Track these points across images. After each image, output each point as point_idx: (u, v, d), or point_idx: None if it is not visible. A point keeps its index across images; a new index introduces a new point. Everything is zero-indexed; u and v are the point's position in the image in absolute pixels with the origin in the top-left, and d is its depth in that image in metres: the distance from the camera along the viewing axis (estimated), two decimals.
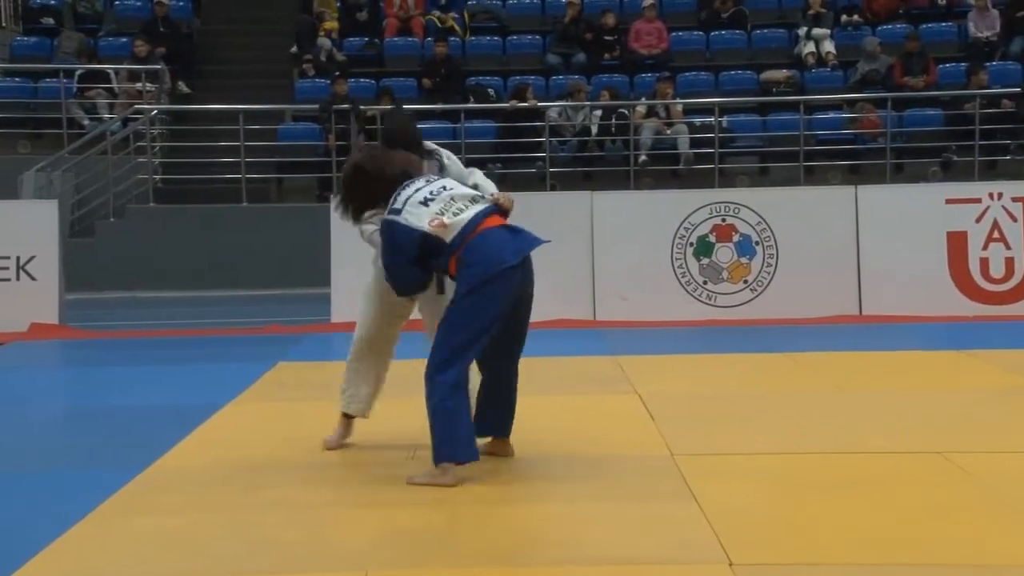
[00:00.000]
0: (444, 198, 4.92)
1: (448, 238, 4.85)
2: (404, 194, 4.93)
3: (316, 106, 14.72)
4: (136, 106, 14.56)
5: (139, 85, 15.09)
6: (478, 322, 4.87)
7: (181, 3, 17.39)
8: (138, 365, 8.60)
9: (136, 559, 4.13)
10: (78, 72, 15.36)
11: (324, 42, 16.41)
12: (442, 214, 4.87)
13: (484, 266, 4.83)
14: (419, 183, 4.99)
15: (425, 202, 4.90)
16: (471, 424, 4.97)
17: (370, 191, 5.06)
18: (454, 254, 4.86)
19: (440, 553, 4.15)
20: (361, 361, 5.55)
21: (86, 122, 15.00)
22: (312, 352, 9.01)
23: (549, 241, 5.15)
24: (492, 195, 5.18)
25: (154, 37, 15.93)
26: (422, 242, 4.86)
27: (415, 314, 5.58)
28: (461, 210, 4.91)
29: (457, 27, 16.80)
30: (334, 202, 5.37)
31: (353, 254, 10.26)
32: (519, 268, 4.92)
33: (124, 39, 16.32)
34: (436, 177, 5.14)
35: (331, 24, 16.63)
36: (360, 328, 5.55)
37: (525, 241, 4.98)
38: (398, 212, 4.90)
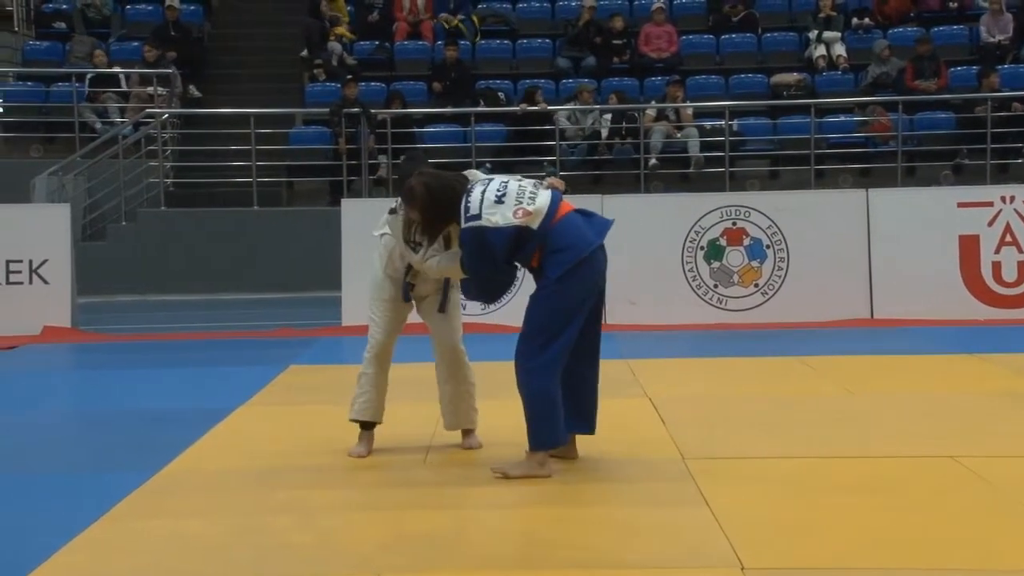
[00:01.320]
0: (513, 191, 4.95)
1: (535, 225, 4.90)
2: (473, 200, 4.93)
3: (327, 110, 14.74)
4: (147, 110, 14.60)
5: (150, 89, 15.13)
6: (571, 304, 4.95)
7: (192, 7, 17.43)
8: (150, 368, 8.62)
9: (149, 562, 4.14)
10: (90, 76, 15.41)
11: (335, 46, 16.44)
12: (520, 204, 4.91)
13: (574, 251, 4.93)
14: (478, 187, 5.00)
15: (499, 199, 4.92)
16: (563, 412, 5.05)
17: (448, 207, 5.00)
18: (540, 243, 4.93)
19: (451, 557, 4.15)
20: (377, 367, 5.55)
21: (98, 126, 15.04)
22: (323, 355, 9.02)
23: (614, 220, 5.26)
24: (547, 182, 5.18)
25: (165, 41, 15.97)
26: (515, 236, 4.90)
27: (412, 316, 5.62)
28: (535, 196, 4.95)
29: (464, 28, 16.80)
30: (404, 234, 5.19)
31: (364, 257, 10.30)
32: (602, 249, 5.06)
33: (135, 43, 16.36)
34: (486, 178, 5.14)
35: (341, 29, 16.65)
36: (376, 335, 5.52)
37: (601, 223, 5.11)
38: (478, 217, 4.89)
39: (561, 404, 5.02)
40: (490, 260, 4.95)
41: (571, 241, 4.94)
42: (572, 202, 5.14)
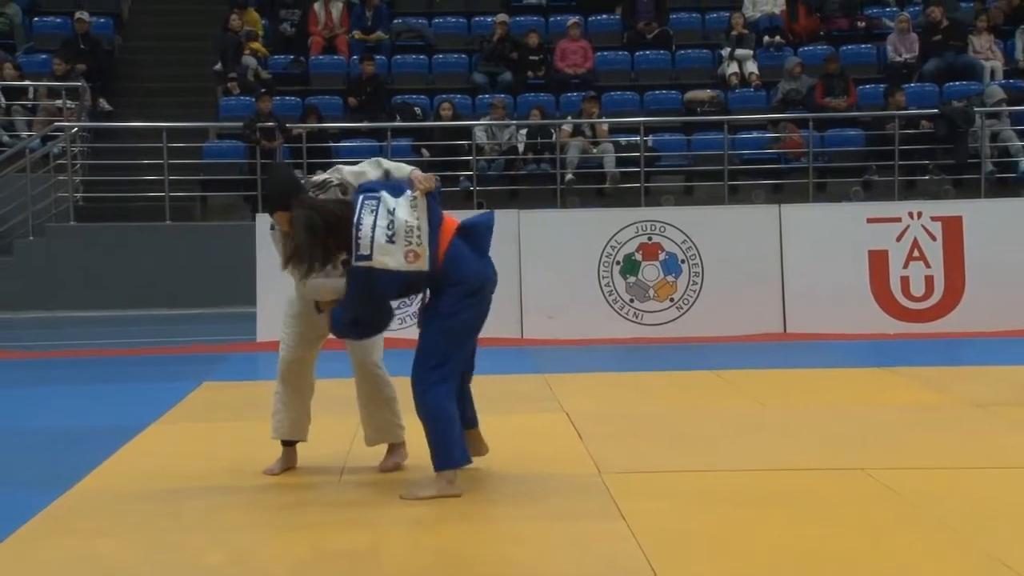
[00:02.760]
0: (401, 227, 4.81)
1: (425, 267, 4.85)
2: (364, 236, 4.79)
3: (240, 124, 14.60)
4: (56, 123, 14.34)
5: (59, 102, 14.87)
6: (465, 328, 5.00)
7: (102, 20, 17.16)
8: (59, 385, 8.45)
9: None
10: None
11: (249, 60, 16.30)
12: (409, 244, 4.82)
13: (467, 284, 4.94)
14: (366, 217, 4.81)
15: (390, 239, 4.79)
16: (461, 428, 5.07)
17: (334, 240, 4.88)
18: (430, 283, 4.92)
19: (367, 575, 4.11)
20: (288, 385, 5.46)
21: (5, 139, 14.74)
22: (238, 372, 8.91)
23: (494, 214, 5.32)
24: (413, 180, 5.01)
25: (74, 54, 15.69)
26: (406, 280, 4.87)
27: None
28: (420, 231, 4.84)
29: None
30: (291, 266, 5.04)
31: (279, 273, 10.23)
32: (492, 270, 5.12)
33: (44, 56, 16.07)
34: (373, 201, 4.90)
35: (256, 44, 16.51)
36: (284, 351, 5.43)
37: (484, 237, 5.10)
38: (369, 258, 4.79)
39: (458, 420, 5.03)
40: (377, 301, 4.94)
41: (463, 276, 4.94)
42: (498, 217, 5.14)
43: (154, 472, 5.59)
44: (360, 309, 4.96)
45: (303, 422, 5.51)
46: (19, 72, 15.59)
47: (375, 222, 4.82)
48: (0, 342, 10.46)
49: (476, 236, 5.06)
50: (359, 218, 4.83)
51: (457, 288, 4.93)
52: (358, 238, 4.80)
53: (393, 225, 4.82)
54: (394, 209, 4.86)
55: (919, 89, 15.91)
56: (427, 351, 4.96)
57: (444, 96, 15.78)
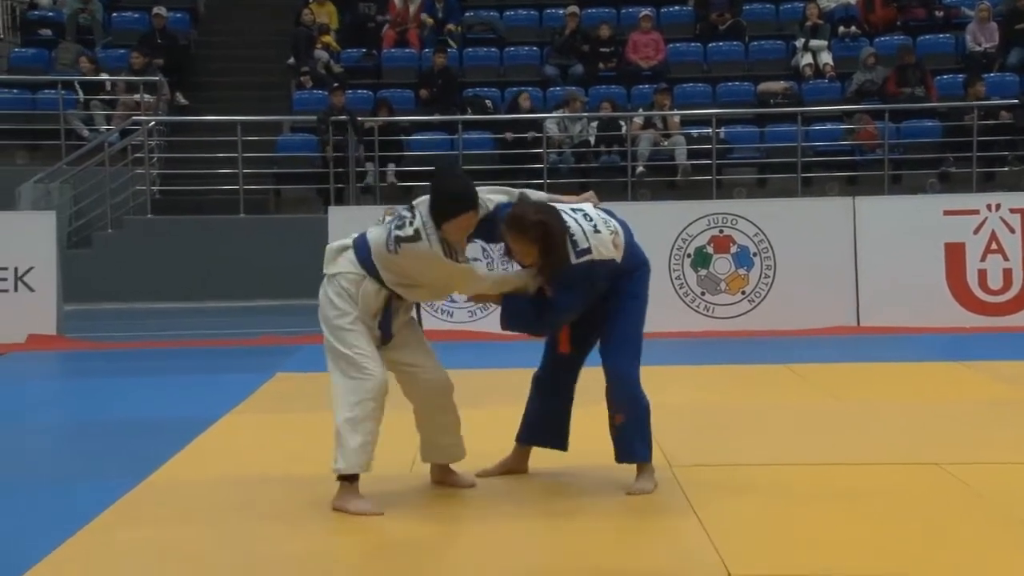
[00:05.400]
0: (597, 219, 4.89)
1: (622, 255, 4.92)
2: (577, 232, 4.79)
3: (314, 117, 14.73)
4: (134, 117, 14.57)
5: (137, 96, 15.11)
6: (645, 314, 5.02)
7: (179, 15, 17.42)
8: (136, 376, 8.59)
9: (131, 572, 4.12)
10: (76, 83, 15.38)
11: (321, 54, 16.44)
12: (612, 234, 4.89)
13: (648, 266, 5.06)
14: (567, 217, 4.83)
15: (596, 230, 4.85)
16: None
17: (564, 244, 4.79)
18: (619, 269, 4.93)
19: (433, 567, 4.14)
20: (379, 414, 4.79)
21: (85, 133, 15.01)
22: (309, 363, 8.98)
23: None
24: (585, 196, 5.14)
25: (152, 49, 15.95)
26: (616, 269, 4.91)
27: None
28: (607, 220, 4.95)
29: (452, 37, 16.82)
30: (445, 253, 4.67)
31: None
32: None
33: (122, 51, 16.34)
34: (561, 207, 4.91)
35: (327, 38, 16.65)
36: (367, 369, 4.72)
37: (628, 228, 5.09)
38: (589, 251, 4.78)
39: None
40: (589, 295, 4.88)
41: (643, 258, 5.03)
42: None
43: (228, 462, 5.66)
44: (577, 303, 4.87)
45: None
46: (95, 66, 15.87)
47: (576, 220, 4.86)
48: (78, 333, 10.65)
49: (631, 233, 5.09)
50: (563, 221, 4.83)
51: (643, 270, 5.01)
52: (573, 236, 4.79)
53: (590, 219, 4.88)
54: (576, 208, 4.94)
55: (999, 79, 15.64)
56: (627, 340, 4.92)
57: (516, 88, 15.80)
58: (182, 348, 10.03)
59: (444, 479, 5.14)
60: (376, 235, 4.80)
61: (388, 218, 4.86)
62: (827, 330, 10.05)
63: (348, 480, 4.75)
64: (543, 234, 4.70)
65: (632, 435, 4.95)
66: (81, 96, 15.40)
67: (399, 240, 4.68)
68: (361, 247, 4.81)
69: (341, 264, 4.85)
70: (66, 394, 8.40)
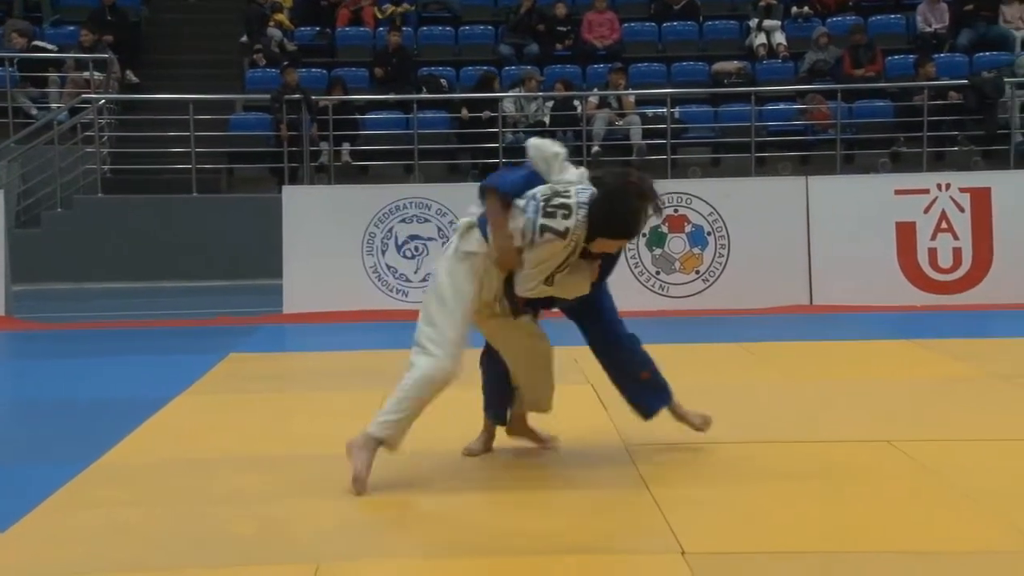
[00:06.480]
0: None
1: None
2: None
3: (267, 96, 14.62)
4: (84, 95, 14.39)
5: (86, 74, 14.92)
6: None
7: None
8: (85, 358, 8.50)
9: (86, 553, 4.08)
10: (23, 60, 15.16)
11: (274, 32, 16.31)
12: None
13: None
14: None
15: None
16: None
17: None
18: None
19: (392, 544, 4.13)
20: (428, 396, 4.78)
21: (33, 111, 14.81)
22: (264, 344, 8.95)
23: None
24: None
25: (101, 26, 15.75)
26: None
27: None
28: None
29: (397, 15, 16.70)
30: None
31: (306, 244, 10.29)
32: None
33: (71, 28, 16.12)
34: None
35: (280, 16, 16.51)
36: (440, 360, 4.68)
37: None
38: None
39: None
40: None
41: None
42: None
43: (181, 443, 5.62)
44: None
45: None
46: (27, 40, 15.53)
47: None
48: (27, 314, 10.53)
49: None
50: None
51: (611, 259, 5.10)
52: None
53: None
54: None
55: (949, 60, 15.78)
56: (615, 307, 5.20)
57: (470, 69, 15.76)
58: (133, 329, 9.93)
59: (525, 433, 5.28)
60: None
61: (537, 198, 4.63)
62: (780, 309, 10.12)
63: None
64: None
65: (657, 382, 5.17)
66: (17, 74, 15.10)
67: (545, 229, 4.57)
68: (483, 224, 4.76)
69: (472, 243, 4.75)
70: (14, 375, 8.29)
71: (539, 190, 4.68)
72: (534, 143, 4.90)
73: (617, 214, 4.62)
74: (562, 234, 4.56)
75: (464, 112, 14.76)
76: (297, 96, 14.25)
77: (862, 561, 3.87)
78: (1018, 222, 10.31)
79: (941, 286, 10.35)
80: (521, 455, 5.25)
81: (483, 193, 4.79)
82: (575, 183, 4.72)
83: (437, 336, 4.69)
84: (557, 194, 4.64)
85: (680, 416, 5.32)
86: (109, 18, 16.11)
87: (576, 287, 4.82)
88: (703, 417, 5.33)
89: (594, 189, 4.69)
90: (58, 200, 13.76)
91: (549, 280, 4.72)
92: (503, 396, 5.21)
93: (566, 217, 4.57)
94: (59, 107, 14.58)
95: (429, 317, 4.74)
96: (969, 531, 4.13)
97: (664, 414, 5.27)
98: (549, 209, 4.60)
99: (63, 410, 6.55)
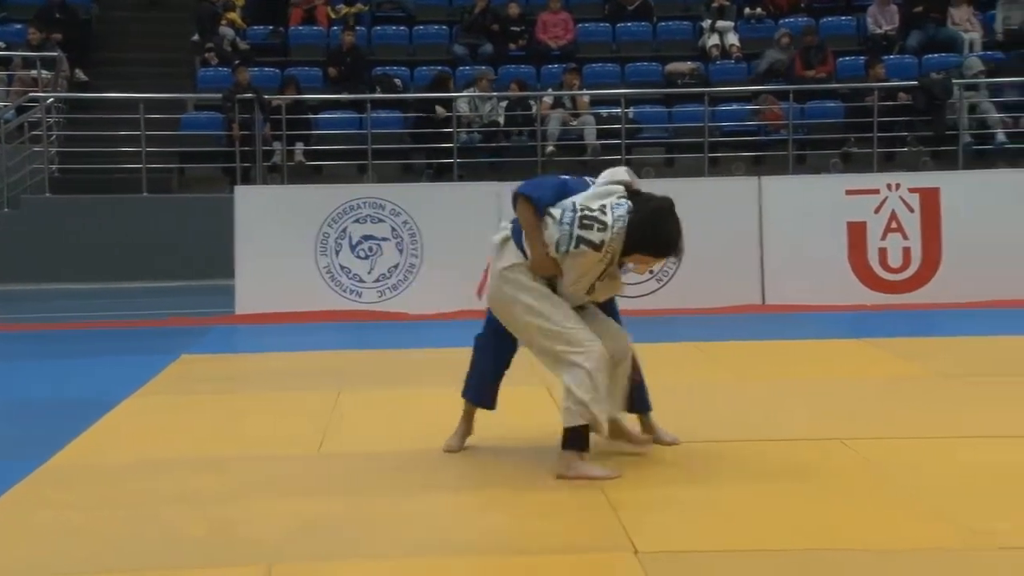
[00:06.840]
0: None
1: None
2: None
3: (219, 95, 14.52)
4: (31, 94, 14.22)
5: (34, 73, 14.75)
6: None
7: None
8: (34, 359, 8.41)
9: (35, 554, 4.03)
10: None
11: (227, 30, 16.20)
12: None
13: None
14: None
15: None
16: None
17: None
18: None
19: (347, 545, 4.11)
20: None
21: None
22: (216, 345, 8.89)
23: None
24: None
25: (50, 23, 15.58)
26: None
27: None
28: None
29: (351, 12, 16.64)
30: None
31: (258, 245, 10.22)
32: None
33: (18, 26, 15.93)
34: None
35: (232, 15, 16.40)
36: (586, 342, 4.80)
37: None
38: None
39: None
40: None
41: None
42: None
43: (133, 445, 5.57)
44: None
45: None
46: None
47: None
48: None
49: None
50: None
51: None
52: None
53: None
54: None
55: (899, 61, 15.94)
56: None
57: (424, 69, 15.74)
58: (83, 330, 9.83)
59: (622, 435, 5.23)
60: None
61: (575, 208, 4.69)
62: (733, 308, 10.18)
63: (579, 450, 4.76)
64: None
65: (644, 388, 5.30)
66: None
67: (581, 241, 4.64)
68: (516, 232, 4.84)
69: (510, 256, 4.86)
70: None
71: (576, 199, 4.75)
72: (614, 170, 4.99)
73: (661, 233, 4.81)
74: (597, 247, 4.63)
75: (439, 111, 14.66)
76: (250, 95, 14.16)
77: (813, 558, 3.89)
78: (966, 222, 10.43)
79: (891, 285, 10.45)
80: (472, 455, 5.25)
81: (516, 200, 4.83)
82: (611, 195, 4.79)
83: (568, 339, 4.74)
84: (591, 208, 4.70)
85: (647, 428, 5.38)
86: (58, 16, 15.94)
87: (610, 289, 4.97)
88: (664, 438, 5.38)
89: (630, 203, 4.75)
90: (5, 200, 13.60)
91: (590, 289, 4.82)
92: (486, 381, 5.22)
93: (601, 230, 4.64)
94: (6, 105, 14.41)
95: (546, 335, 4.77)
96: (915, 528, 4.17)
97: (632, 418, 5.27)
98: (586, 221, 4.66)
99: (12, 411, 6.48)
